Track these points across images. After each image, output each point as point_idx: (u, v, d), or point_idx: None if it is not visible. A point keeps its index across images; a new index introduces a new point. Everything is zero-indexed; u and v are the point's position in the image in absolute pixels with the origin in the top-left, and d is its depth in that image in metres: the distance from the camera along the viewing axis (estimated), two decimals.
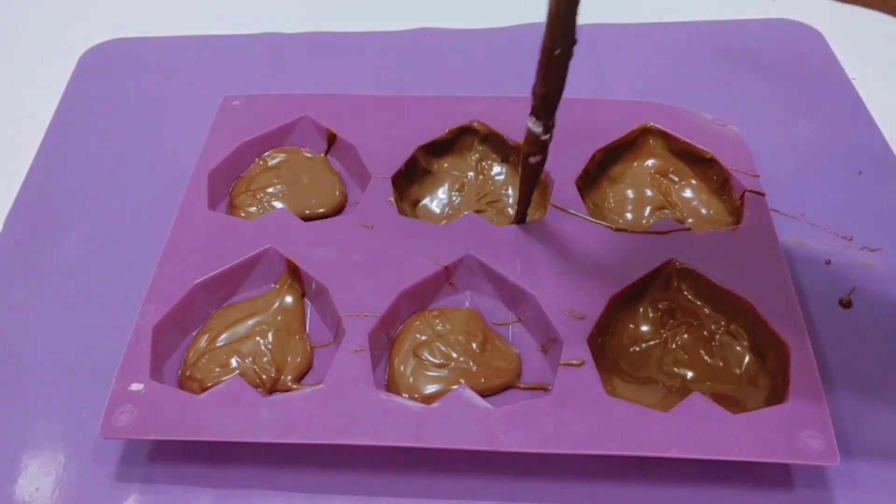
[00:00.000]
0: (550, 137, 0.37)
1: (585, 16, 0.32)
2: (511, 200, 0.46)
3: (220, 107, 0.50)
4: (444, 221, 0.45)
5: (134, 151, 0.51)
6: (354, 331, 0.38)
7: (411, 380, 0.37)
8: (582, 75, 0.60)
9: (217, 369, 0.38)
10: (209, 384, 0.37)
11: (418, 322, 0.40)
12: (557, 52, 0.32)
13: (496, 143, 0.48)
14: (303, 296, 0.42)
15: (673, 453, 0.33)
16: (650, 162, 0.48)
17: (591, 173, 0.46)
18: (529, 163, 0.39)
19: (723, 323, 0.40)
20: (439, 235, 0.42)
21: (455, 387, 0.36)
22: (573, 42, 0.32)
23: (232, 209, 0.45)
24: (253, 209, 0.45)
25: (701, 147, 0.46)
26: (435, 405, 0.35)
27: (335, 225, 0.44)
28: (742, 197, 0.44)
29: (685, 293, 0.41)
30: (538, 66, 0.34)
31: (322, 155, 0.49)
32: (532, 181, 0.40)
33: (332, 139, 0.49)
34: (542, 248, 0.41)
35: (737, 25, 0.60)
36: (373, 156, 0.46)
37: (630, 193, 0.46)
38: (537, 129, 0.36)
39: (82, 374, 0.39)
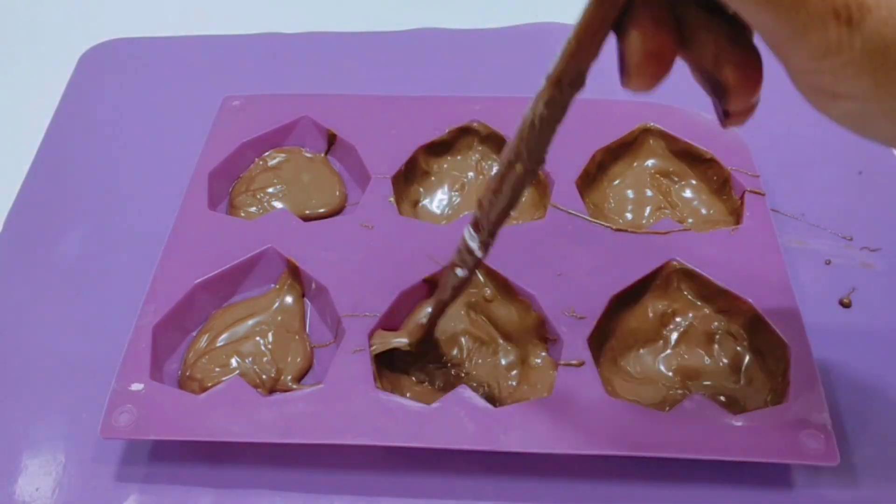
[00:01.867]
0: (485, 256, 0.32)
1: None
2: None
3: (220, 107, 0.50)
4: (444, 221, 0.45)
5: (134, 151, 0.51)
6: (354, 331, 0.38)
7: None
8: None
9: (217, 369, 0.38)
10: (209, 384, 0.37)
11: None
12: (520, 168, 0.28)
13: (496, 143, 0.48)
14: (303, 296, 0.42)
15: (673, 453, 0.33)
16: (650, 162, 0.48)
17: (591, 173, 0.46)
18: (456, 275, 0.34)
19: (723, 323, 0.40)
20: (439, 235, 0.42)
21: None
22: (541, 163, 0.29)
23: (232, 209, 0.45)
24: (253, 209, 0.45)
25: (701, 147, 0.46)
26: (435, 405, 0.35)
27: (335, 225, 0.44)
28: (742, 197, 0.44)
29: (685, 293, 0.41)
30: (496, 176, 0.29)
31: (322, 155, 0.49)
32: (455, 296, 0.35)
33: (332, 139, 0.49)
34: (542, 248, 0.41)
35: None
36: (373, 156, 0.46)
37: (630, 193, 0.46)
38: (473, 243, 0.32)
39: (82, 374, 0.39)
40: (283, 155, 0.48)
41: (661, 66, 0.23)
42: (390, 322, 0.39)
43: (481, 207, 0.31)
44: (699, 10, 0.23)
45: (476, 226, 0.31)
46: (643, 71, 0.23)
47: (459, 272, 0.33)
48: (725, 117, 0.25)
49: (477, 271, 0.41)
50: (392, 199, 0.44)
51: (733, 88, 0.23)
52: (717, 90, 0.24)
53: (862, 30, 0.19)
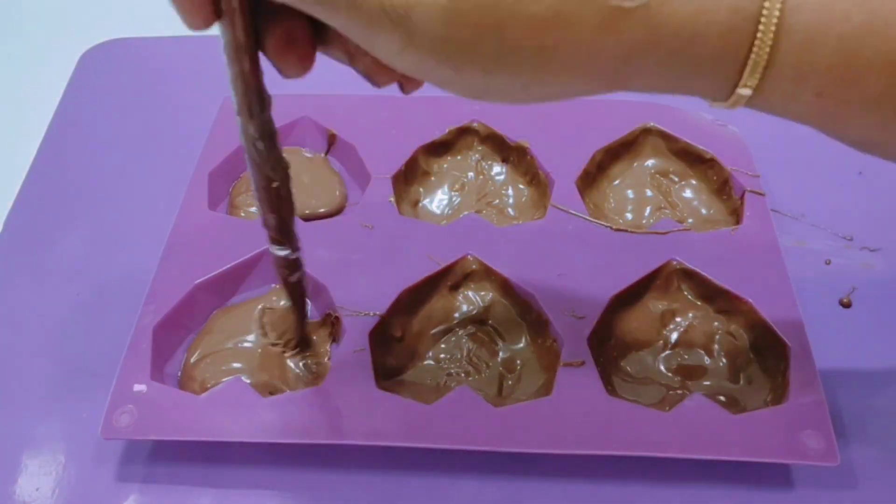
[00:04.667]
0: (300, 252, 0.34)
1: None
2: (511, 201, 0.46)
3: (220, 107, 0.50)
4: (444, 221, 0.45)
5: (134, 151, 0.51)
6: (354, 331, 0.38)
7: None
8: None
9: (217, 370, 0.38)
10: (209, 384, 0.37)
11: None
12: (276, 184, 0.30)
13: (496, 143, 0.48)
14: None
15: (673, 453, 0.33)
16: (650, 162, 0.48)
17: (591, 173, 0.46)
18: (290, 282, 0.35)
19: (723, 323, 0.40)
20: (439, 235, 0.42)
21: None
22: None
23: (232, 209, 0.45)
24: (253, 209, 0.45)
25: (701, 147, 0.46)
26: (435, 405, 0.35)
27: (335, 225, 0.44)
28: (742, 197, 0.44)
29: (685, 293, 0.41)
30: (258, 198, 0.31)
31: (322, 155, 0.49)
32: (301, 298, 0.37)
33: (332, 139, 0.49)
34: (542, 248, 0.41)
35: None
36: (373, 156, 0.46)
37: (630, 193, 0.46)
38: (283, 252, 0.33)
39: (82, 374, 0.39)
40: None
41: (304, 51, 0.25)
42: (389, 321, 0.39)
43: (268, 226, 0.32)
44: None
45: (275, 241, 0.33)
46: (286, 58, 0.25)
47: (293, 278, 0.35)
48: (401, 89, 0.27)
49: (475, 272, 0.41)
50: (392, 199, 0.44)
51: (369, 75, 0.26)
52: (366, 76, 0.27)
53: (415, 27, 0.21)
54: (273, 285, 0.42)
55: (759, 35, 0.22)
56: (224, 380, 0.37)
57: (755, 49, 0.22)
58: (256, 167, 0.30)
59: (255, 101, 0.27)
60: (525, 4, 0.21)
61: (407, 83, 0.27)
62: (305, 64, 0.26)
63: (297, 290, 0.36)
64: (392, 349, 0.39)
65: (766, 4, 0.22)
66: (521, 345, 0.40)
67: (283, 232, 0.32)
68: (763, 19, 0.22)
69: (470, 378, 0.38)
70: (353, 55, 0.26)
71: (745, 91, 0.24)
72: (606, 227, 0.42)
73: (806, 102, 0.24)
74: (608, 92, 0.24)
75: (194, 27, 0.24)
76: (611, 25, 0.21)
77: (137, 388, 0.36)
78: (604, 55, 0.22)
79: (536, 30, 0.21)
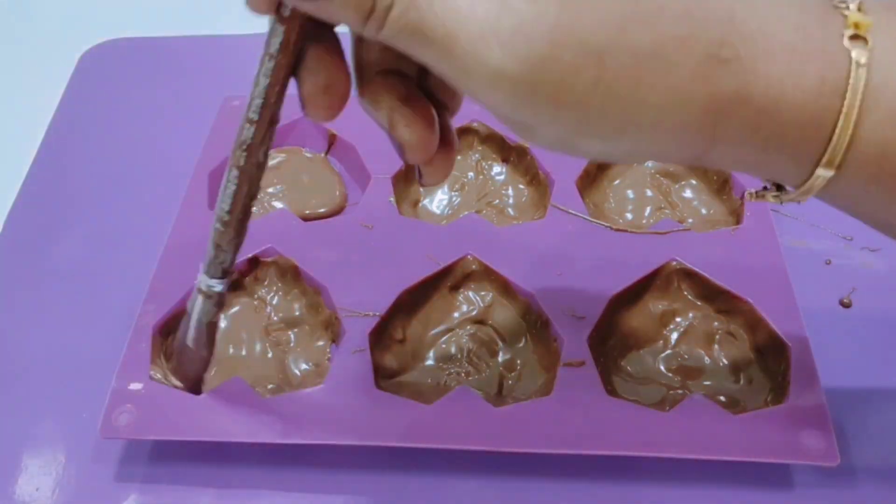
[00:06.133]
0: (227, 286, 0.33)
1: None
2: (511, 201, 0.46)
3: (220, 107, 0.50)
4: (444, 221, 0.45)
5: (134, 151, 0.51)
6: (354, 331, 0.38)
7: None
8: None
9: (218, 370, 0.38)
10: (209, 384, 0.37)
11: None
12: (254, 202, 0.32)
13: (496, 143, 0.48)
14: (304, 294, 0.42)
15: (673, 453, 0.33)
16: (650, 162, 0.48)
17: (591, 173, 0.46)
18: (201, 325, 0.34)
19: (723, 323, 0.40)
20: (439, 235, 0.42)
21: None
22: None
23: None
24: (253, 209, 0.45)
25: None
26: (435, 405, 0.35)
27: (335, 225, 0.44)
28: (742, 197, 0.44)
29: (685, 293, 0.41)
30: (227, 220, 0.32)
31: (322, 155, 0.49)
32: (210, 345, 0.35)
33: (332, 139, 0.49)
34: (542, 248, 0.41)
35: None
36: (373, 156, 0.46)
37: (630, 193, 0.46)
38: (220, 287, 0.33)
39: (82, 374, 0.39)
40: (283, 155, 0.48)
41: (335, 99, 0.25)
42: (389, 321, 0.39)
43: (220, 249, 0.32)
44: (382, 74, 0.25)
45: (218, 271, 0.32)
46: (317, 102, 0.26)
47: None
48: (418, 176, 0.27)
49: (475, 272, 0.41)
50: (392, 199, 0.44)
51: (404, 145, 0.26)
52: (399, 149, 0.26)
53: (518, 47, 0.21)
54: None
55: (844, 109, 0.22)
56: (224, 380, 0.37)
57: (840, 120, 0.22)
58: (248, 179, 0.30)
59: (277, 109, 0.27)
60: (628, 36, 0.21)
61: (431, 170, 0.27)
62: (335, 112, 0.26)
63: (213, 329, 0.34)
64: (392, 349, 0.39)
65: (853, 75, 0.22)
66: (521, 345, 0.40)
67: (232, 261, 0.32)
68: (849, 91, 0.22)
69: (470, 378, 0.38)
70: (393, 123, 0.25)
71: (825, 172, 0.23)
72: (606, 227, 0.42)
73: (887, 186, 0.23)
74: (693, 161, 0.24)
75: (257, 9, 0.25)
76: (705, 74, 0.21)
77: (136, 387, 0.36)
78: (695, 107, 0.22)
79: (636, 64, 0.21)
